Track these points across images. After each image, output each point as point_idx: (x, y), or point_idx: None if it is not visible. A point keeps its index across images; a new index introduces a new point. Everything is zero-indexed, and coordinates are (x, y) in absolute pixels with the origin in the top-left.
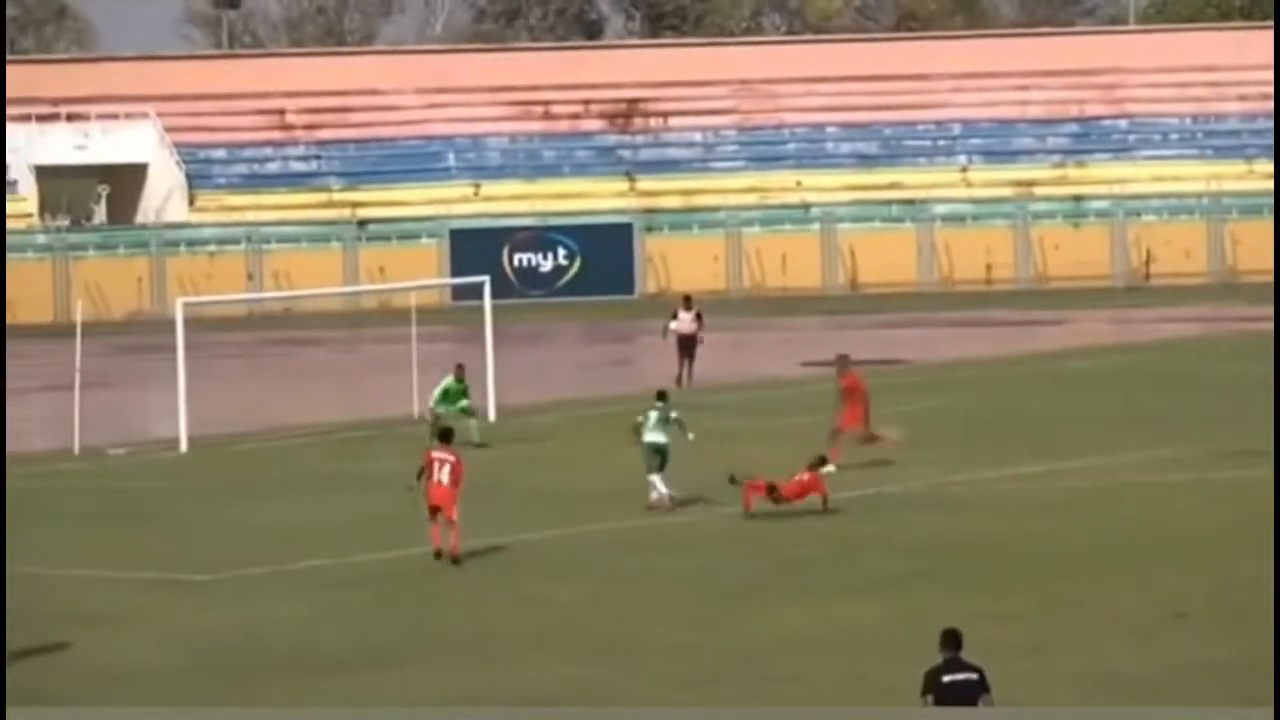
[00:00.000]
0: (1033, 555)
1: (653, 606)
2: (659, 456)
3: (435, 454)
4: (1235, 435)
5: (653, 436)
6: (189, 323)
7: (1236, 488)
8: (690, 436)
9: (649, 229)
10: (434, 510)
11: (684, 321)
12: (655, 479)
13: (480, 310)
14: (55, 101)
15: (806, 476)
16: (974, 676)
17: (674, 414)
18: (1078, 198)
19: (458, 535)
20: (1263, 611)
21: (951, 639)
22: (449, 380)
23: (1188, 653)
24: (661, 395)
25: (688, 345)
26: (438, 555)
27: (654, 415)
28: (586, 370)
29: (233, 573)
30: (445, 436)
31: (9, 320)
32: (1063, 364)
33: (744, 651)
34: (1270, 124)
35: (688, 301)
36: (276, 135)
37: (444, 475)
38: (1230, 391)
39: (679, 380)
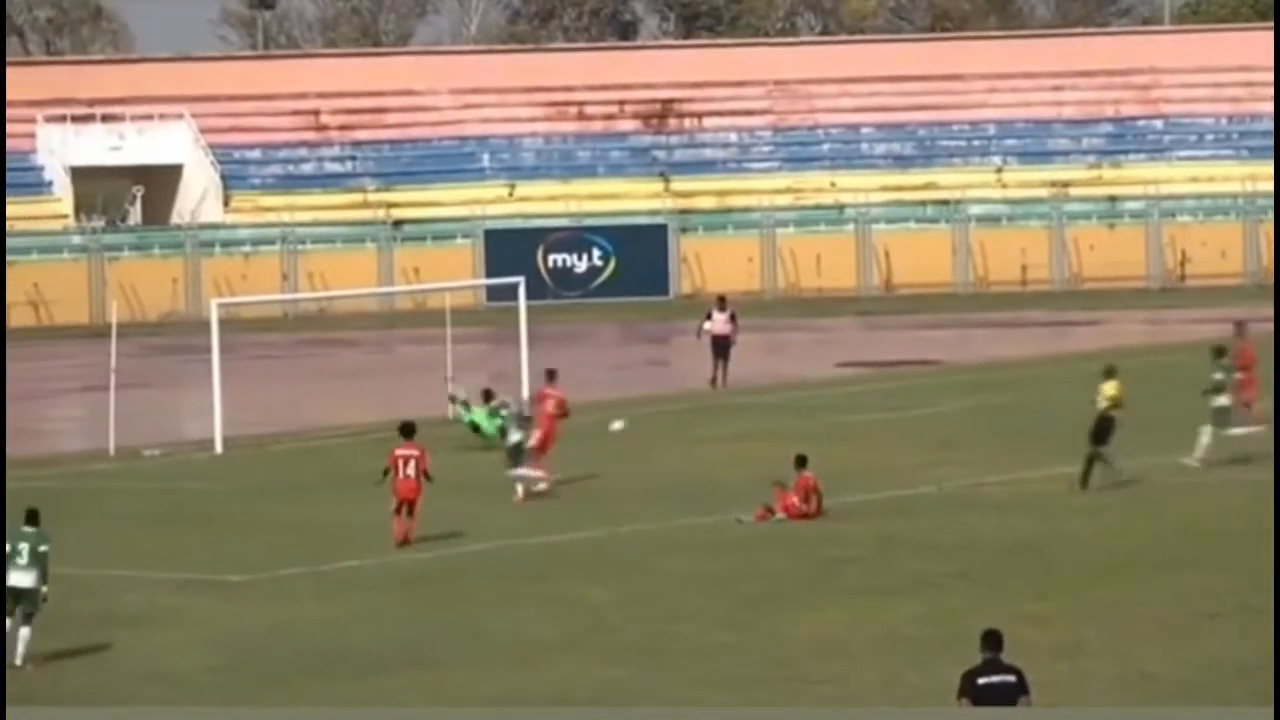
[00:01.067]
0: (1068, 556)
1: (687, 608)
2: (520, 452)
3: (400, 451)
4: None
5: (516, 436)
6: (224, 323)
7: (1271, 489)
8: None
9: (684, 229)
10: (401, 504)
11: (718, 322)
12: (521, 472)
13: (515, 311)
14: (90, 102)
15: (798, 481)
16: (1011, 679)
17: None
18: (1113, 198)
19: (415, 524)
20: None
21: (992, 640)
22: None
23: (1222, 654)
24: (489, 394)
25: (722, 346)
26: (401, 544)
27: (505, 414)
28: (621, 371)
29: (268, 573)
30: (408, 432)
31: (44, 321)
32: (1098, 365)
33: (779, 653)
34: None
35: (722, 302)
36: (311, 136)
37: (410, 470)
38: (1264, 393)
39: (714, 381)
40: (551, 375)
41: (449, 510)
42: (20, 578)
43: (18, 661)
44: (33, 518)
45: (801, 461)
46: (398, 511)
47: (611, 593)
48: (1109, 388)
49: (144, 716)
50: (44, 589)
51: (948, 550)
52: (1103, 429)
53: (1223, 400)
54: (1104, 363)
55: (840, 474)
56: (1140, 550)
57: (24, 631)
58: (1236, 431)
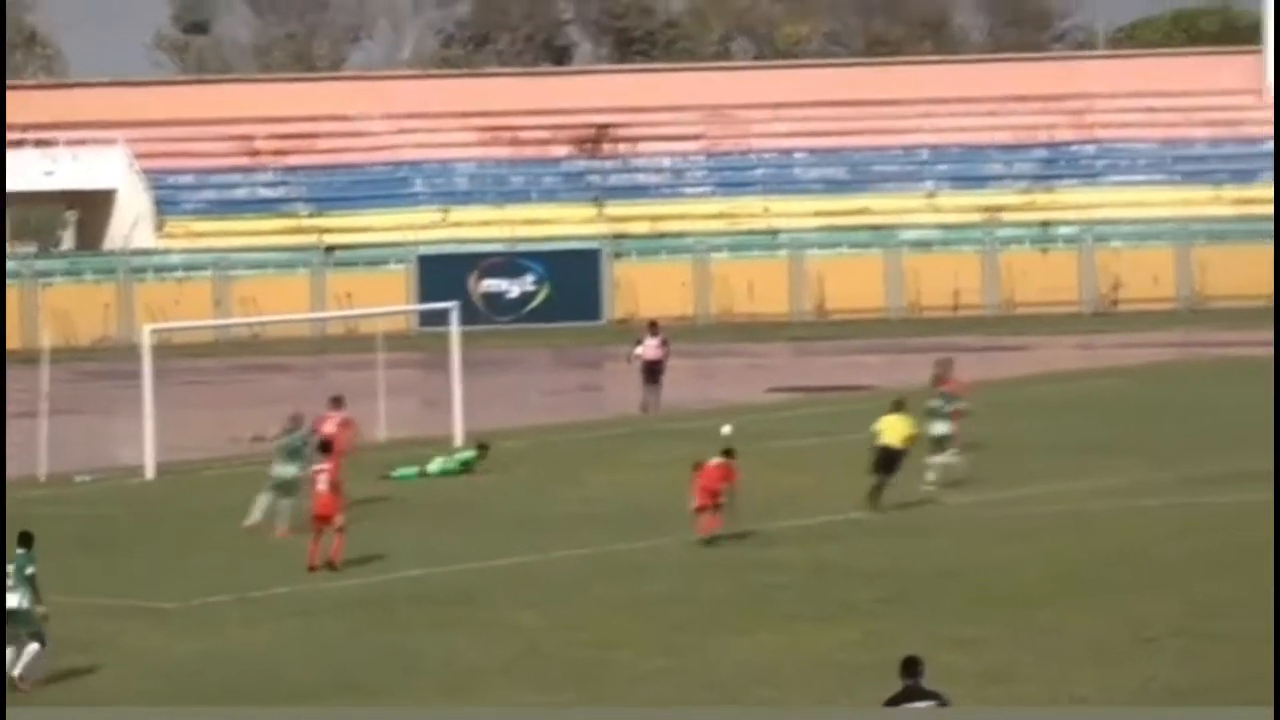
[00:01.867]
0: (1001, 582)
1: (621, 633)
2: (294, 488)
3: (314, 466)
4: (1204, 461)
5: (291, 470)
6: (156, 349)
7: (1205, 513)
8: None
9: (617, 255)
10: (317, 521)
11: (649, 347)
12: (274, 502)
13: (448, 336)
14: (24, 127)
15: (714, 465)
16: (930, 704)
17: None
18: (1046, 223)
19: (341, 541)
20: (1229, 636)
21: (911, 666)
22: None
23: (1156, 678)
24: (296, 421)
25: (654, 371)
26: (312, 569)
27: (286, 441)
28: (554, 396)
29: (199, 600)
30: (324, 448)
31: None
32: (1030, 390)
33: (712, 679)
34: (1238, 149)
35: (654, 327)
36: (244, 161)
37: (322, 484)
38: (1198, 417)
39: (645, 406)
40: (337, 402)
41: (378, 535)
42: (10, 599)
43: (16, 673)
44: (23, 540)
45: (728, 454)
46: (317, 533)
47: (544, 618)
48: (894, 422)
49: (143, 717)
50: (40, 609)
51: (880, 575)
52: (890, 460)
53: (941, 428)
54: (892, 397)
55: (772, 499)
56: (1073, 574)
57: (29, 648)
58: (939, 460)
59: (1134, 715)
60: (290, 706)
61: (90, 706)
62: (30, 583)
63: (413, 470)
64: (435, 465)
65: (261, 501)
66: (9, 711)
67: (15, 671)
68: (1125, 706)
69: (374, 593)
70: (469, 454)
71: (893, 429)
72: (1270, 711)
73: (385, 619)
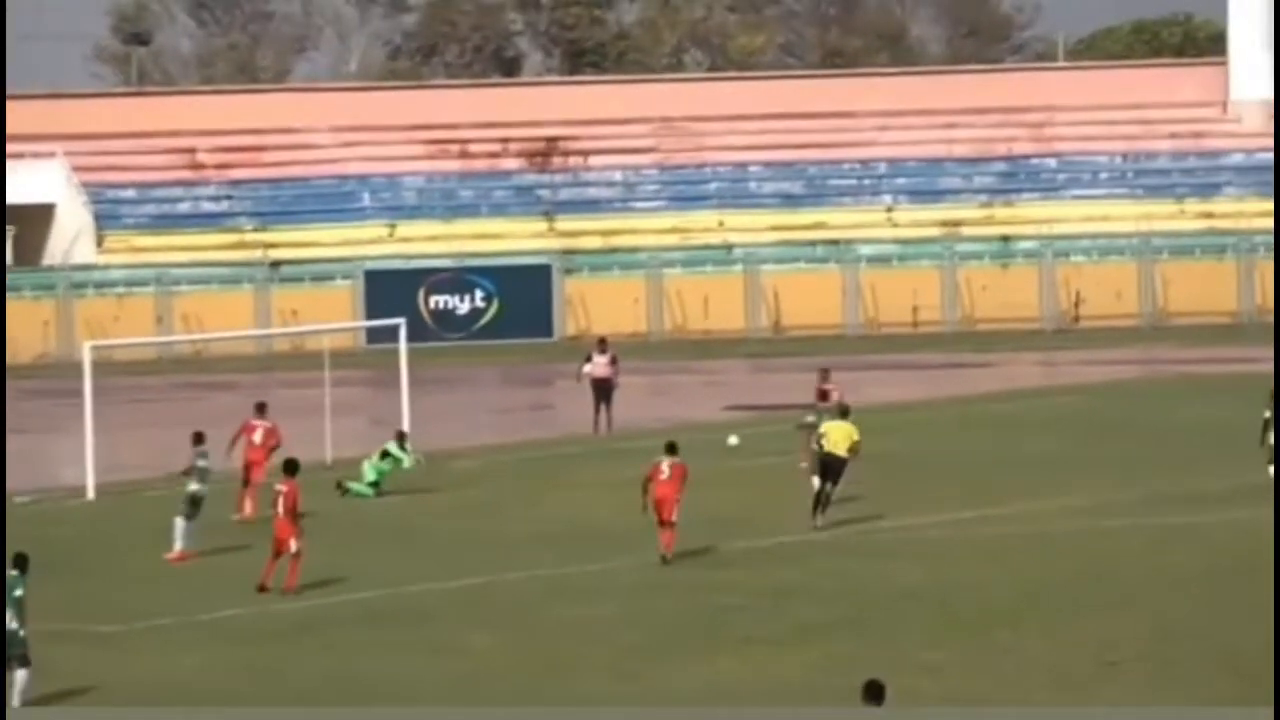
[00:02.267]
0: (962, 603)
1: (574, 656)
2: (196, 505)
3: (276, 487)
4: (1168, 480)
5: (194, 486)
6: (97, 366)
7: (1170, 533)
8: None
9: (568, 270)
10: (275, 543)
11: (599, 365)
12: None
13: (395, 353)
14: None
15: (666, 467)
16: None
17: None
18: (1005, 238)
19: (296, 568)
20: (1193, 659)
21: (873, 691)
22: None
23: (1119, 703)
24: (199, 437)
25: (604, 389)
26: (262, 589)
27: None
28: (504, 414)
29: (144, 623)
30: (289, 469)
31: None
32: (991, 407)
33: (668, 703)
34: (1201, 163)
35: (603, 344)
36: (187, 174)
37: (279, 507)
38: (1162, 435)
39: (596, 425)
40: (261, 408)
41: (328, 557)
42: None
43: (16, 703)
44: (16, 562)
45: (671, 448)
46: (274, 555)
47: (497, 641)
48: (839, 428)
49: (144, 716)
50: (20, 631)
51: (838, 597)
52: (832, 468)
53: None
54: (839, 405)
55: (728, 519)
56: (1036, 596)
57: (18, 675)
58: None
59: (1134, 715)
60: (290, 707)
61: (89, 707)
62: (18, 605)
63: (364, 487)
64: (370, 472)
65: (179, 527)
66: (9, 713)
67: (15, 702)
68: (1125, 706)
69: (324, 615)
70: (391, 445)
71: (837, 432)
72: (1270, 712)
73: (335, 641)
